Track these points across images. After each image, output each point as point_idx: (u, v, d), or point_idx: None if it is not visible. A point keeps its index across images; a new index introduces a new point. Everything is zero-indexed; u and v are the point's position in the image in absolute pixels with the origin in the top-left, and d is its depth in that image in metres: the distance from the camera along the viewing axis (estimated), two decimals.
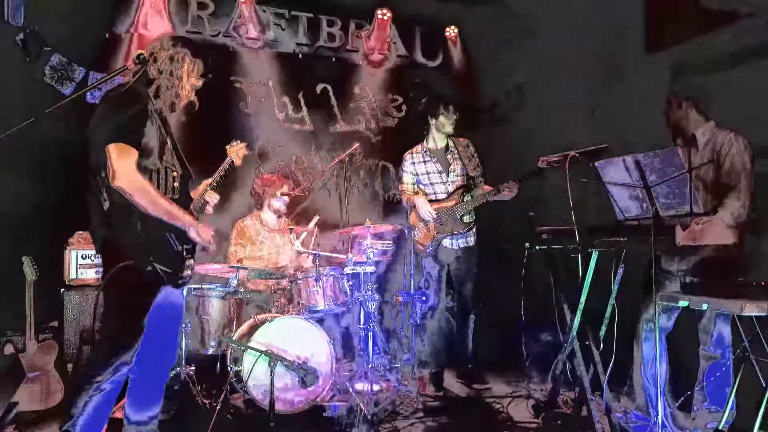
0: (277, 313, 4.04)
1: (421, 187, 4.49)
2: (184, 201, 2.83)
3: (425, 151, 4.48)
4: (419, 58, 6.39)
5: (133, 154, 2.49)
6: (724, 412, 2.92)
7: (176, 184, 2.74)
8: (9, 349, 3.70)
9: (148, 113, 2.62)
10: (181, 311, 2.97)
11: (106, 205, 2.51)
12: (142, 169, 2.55)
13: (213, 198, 3.00)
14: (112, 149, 2.44)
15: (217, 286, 4.18)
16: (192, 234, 2.69)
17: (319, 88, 6.09)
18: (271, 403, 3.28)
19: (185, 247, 2.75)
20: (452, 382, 4.52)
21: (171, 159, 2.74)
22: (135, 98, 2.57)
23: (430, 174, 4.45)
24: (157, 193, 2.55)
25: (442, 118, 4.34)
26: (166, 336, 2.83)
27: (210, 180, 3.05)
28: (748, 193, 3.00)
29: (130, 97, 2.56)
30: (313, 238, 4.51)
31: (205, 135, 5.23)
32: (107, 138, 2.47)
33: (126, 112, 2.50)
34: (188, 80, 2.80)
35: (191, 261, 2.79)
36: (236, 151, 3.24)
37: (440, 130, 4.39)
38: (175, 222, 2.61)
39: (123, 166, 2.44)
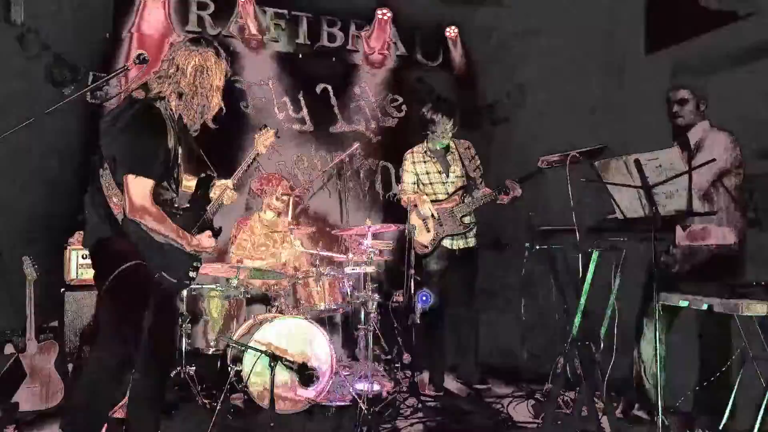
0: (277, 312, 4.05)
1: (422, 187, 4.49)
2: (201, 203, 2.83)
3: (426, 151, 4.48)
4: (419, 58, 6.39)
5: (149, 184, 2.46)
6: (725, 412, 2.93)
7: (180, 201, 2.73)
8: (9, 349, 3.70)
9: (168, 138, 2.56)
10: (177, 309, 2.96)
11: (119, 212, 2.50)
12: (157, 193, 2.53)
13: (232, 197, 3.00)
14: (130, 182, 2.42)
15: (217, 286, 4.18)
16: (198, 251, 2.68)
17: (319, 88, 6.10)
18: (272, 403, 3.28)
19: (194, 263, 2.74)
20: (452, 382, 4.52)
21: (175, 181, 2.71)
22: (156, 121, 2.51)
23: (430, 174, 4.45)
24: (166, 225, 2.53)
25: (438, 133, 4.34)
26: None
27: (229, 182, 3.02)
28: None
29: (151, 119, 2.50)
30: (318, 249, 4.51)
31: (205, 135, 5.23)
32: (126, 165, 2.43)
33: (146, 139, 2.47)
34: (219, 87, 2.71)
35: (196, 273, 2.79)
36: (263, 139, 3.17)
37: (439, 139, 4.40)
38: (178, 245, 2.60)
39: (139, 198, 2.43)
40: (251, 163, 3.15)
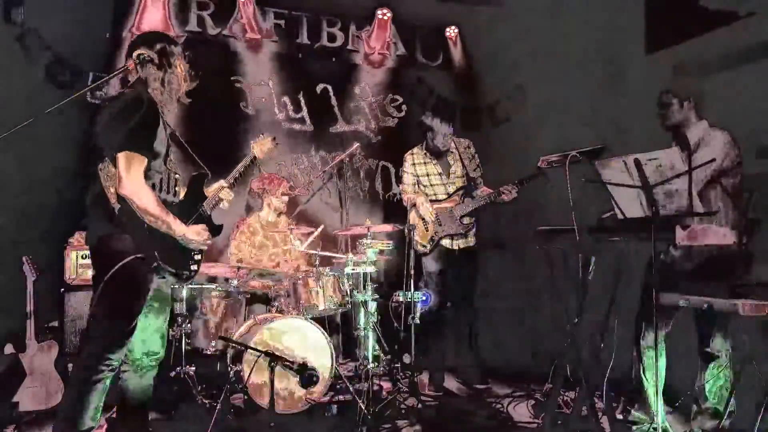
0: (277, 313, 4.05)
1: (422, 187, 4.49)
2: (195, 200, 2.88)
3: (425, 153, 4.49)
4: (419, 58, 6.39)
5: (142, 161, 2.53)
6: (724, 412, 2.93)
7: (177, 188, 2.79)
8: (9, 349, 3.70)
9: (160, 120, 2.65)
10: (169, 303, 2.97)
11: (116, 203, 2.54)
12: (150, 175, 2.58)
13: (228, 196, 3.06)
14: (122, 158, 2.48)
15: (217, 286, 4.18)
16: (185, 240, 2.69)
17: (319, 88, 6.10)
18: (272, 403, 3.27)
19: (194, 254, 2.79)
20: (452, 383, 4.52)
21: (174, 162, 2.77)
22: (147, 104, 2.58)
23: (430, 175, 4.45)
24: (156, 203, 2.57)
25: (438, 140, 4.35)
26: (154, 329, 2.84)
27: (224, 181, 3.08)
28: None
29: (141, 102, 2.57)
30: (318, 249, 4.51)
31: (205, 135, 5.24)
32: (119, 144, 2.50)
33: (138, 119, 2.53)
34: (182, 71, 2.81)
35: (197, 266, 2.80)
36: (260, 146, 3.28)
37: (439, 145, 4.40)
38: (169, 231, 2.62)
39: (131, 174, 2.49)
40: (248, 165, 3.22)
